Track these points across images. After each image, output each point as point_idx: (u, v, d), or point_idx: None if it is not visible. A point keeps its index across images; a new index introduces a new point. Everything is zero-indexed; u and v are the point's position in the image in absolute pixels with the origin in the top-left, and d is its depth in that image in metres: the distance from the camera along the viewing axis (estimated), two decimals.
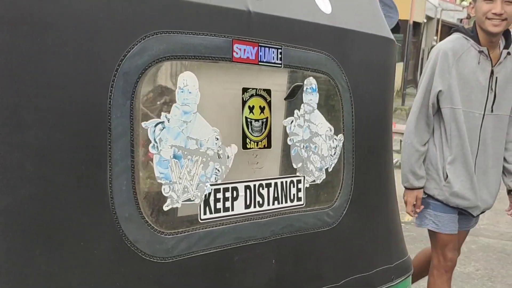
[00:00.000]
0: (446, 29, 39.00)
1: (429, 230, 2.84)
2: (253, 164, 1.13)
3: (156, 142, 0.95)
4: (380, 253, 1.43)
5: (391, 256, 1.46)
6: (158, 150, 0.95)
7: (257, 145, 1.12)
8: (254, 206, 1.12)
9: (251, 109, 1.11)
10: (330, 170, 1.28)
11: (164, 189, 0.96)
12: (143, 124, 0.93)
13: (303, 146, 1.22)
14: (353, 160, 1.33)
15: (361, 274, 1.36)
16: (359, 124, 1.34)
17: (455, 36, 2.67)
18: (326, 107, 1.28)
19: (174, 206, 0.98)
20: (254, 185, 1.12)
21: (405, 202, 2.67)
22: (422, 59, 19.52)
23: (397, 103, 17.48)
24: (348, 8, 1.37)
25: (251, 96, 1.11)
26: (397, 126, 8.74)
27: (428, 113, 2.61)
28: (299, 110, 1.21)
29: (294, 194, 1.20)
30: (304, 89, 1.21)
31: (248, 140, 1.10)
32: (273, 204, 1.16)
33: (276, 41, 1.14)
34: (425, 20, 26.14)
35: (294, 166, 1.20)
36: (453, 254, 2.86)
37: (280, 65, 1.15)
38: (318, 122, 1.25)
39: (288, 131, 1.19)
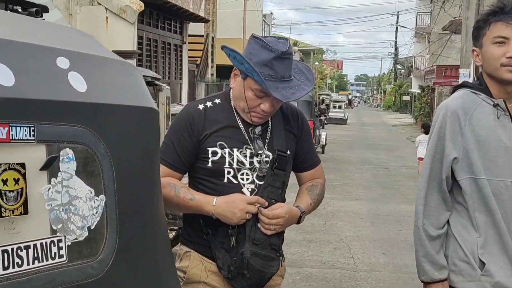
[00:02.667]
0: None
1: None
2: (10, 230, 1.28)
3: None
4: None
5: None
6: None
7: (13, 213, 1.27)
8: (13, 267, 1.27)
9: (4, 181, 1.26)
10: (92, 227, 1.46)
11: None
12: None
13: (63, 209, 1.39)
14: (116, 216, 1.52)
15: None
16: (121, 184, 1.54)
17: (461, 91, 2.19)
18: (86, 172, 1.46)
19: None
20: (12, 249, 1.27)
21: None
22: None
23: None
24: (105, 85, 1.58)
25: (4, 170, 1.26)
26: None
27: (442, 188, 2.13)
28: (56, 178, 1.38)
29: (55, 253, 1.36)
30: (61, 159, 1.39)
31: (3, 209, 1.25)
32: (34, 263, 1.31)
33: (28, 120, 1.31)
34: None
35: (54, 228, 1.37)
36: None
37: (33, 141, 1.32)
38: (77, 186, 1.43)
39: (45, 197, 1.36)
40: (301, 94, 2.23)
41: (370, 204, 10.51)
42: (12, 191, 1.28)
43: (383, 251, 7.28)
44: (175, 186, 2.24)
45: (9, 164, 1.28)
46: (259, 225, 2.20)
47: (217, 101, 2.36)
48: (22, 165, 1.31)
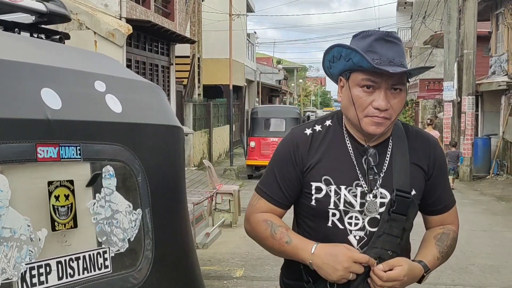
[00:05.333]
0: (266, 90, 41.57)
1: None
2: (63, 243, 1.37)
3: None
4: None
5: None
6: None
7: (64, 227, 1.37)
8: (66, 277, 1.36)
9: (57, 197, 1.36)
10: (132, 239, 1.56)
11: None
12: None
13: (106, 223, 1.49)
14: (152, 228, 1.62)
15: None
16: (155, 198, 1.64)
17: None
18: (124, 188, 1.56)
19: None
20: (65, 260, 1.37)
21: None
22: (247, 119, 20.68)
23: (226, 164, 18.30)
24: (136, 105, 1.68)
25: (56, 187, 1.36)
26: (224, 187, 9.21)
27: None
28: (100, 194, 1.48)
29: (101, 263, 1.46)
30: (103, 176, 1.49)
31: (56, 223, 1.35)
32: (83, 273, 1.41)
33: (75, 140, 1.41)
34: (245, 84, 27.89)
35: (100, 240, 1.47)
36: None
37: (80, 159, 1.42)
38: (118, 201, 1.53)
39: (91, 211, 1.45)
40: (414, 68, 1.85)
41: None
42: (63, 206, 1.37)
43: None
44: (272, 224, 1.87)
45: (60, 181, 1.38)
46: (369, 280, 1.76)
47: (328, 122, 1.94)
48: (71, 182, 1.40)
